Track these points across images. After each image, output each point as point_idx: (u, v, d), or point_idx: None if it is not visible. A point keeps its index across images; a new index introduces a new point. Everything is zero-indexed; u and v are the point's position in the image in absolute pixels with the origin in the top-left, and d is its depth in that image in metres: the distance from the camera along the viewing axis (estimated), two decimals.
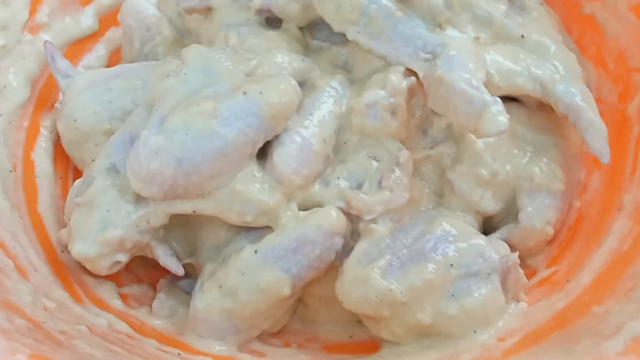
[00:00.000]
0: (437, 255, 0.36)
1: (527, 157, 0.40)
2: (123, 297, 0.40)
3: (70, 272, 0.39)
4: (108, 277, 0.40)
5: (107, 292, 0.39)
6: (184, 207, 0.36)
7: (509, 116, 0.35)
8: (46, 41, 0.45)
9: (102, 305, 0.38)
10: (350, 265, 0.36)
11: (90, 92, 0.42)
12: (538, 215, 0.40)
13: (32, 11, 0.45)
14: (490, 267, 0.36)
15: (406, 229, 0.38)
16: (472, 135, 0.39)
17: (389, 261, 0.36)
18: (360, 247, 0.37)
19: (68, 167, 0.45)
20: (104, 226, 0.36)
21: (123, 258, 0.37)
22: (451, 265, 0.36)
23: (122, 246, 0.37)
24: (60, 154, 0.45)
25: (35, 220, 0.41)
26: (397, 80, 0.38)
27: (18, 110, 0.44)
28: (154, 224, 0.37)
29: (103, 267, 0.37)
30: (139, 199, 0.37)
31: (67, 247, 0.38)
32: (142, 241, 0.37)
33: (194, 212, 0.37)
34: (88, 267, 0.37)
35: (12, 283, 0.34)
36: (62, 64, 0.44)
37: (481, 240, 0.37)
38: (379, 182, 0.37)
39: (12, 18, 0.44)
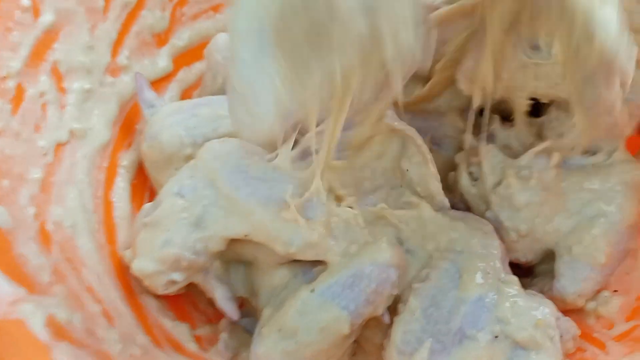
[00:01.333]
0: (478, 331, 0.36)
1: (571, 225, 0.40)
2: (197, 339, 0.42)
3: (149, 314, 0.41)
4: (182, 319, 0.42)
5: (183, 335, 0.41)
6: (238, 229, 0.38)
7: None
8: (137, 72, 0.47)
9: (179, 348, 0.40)
10: (393, 357, 0.37)
11: (177, 116, 0.45)
12: (572, 286, 0.40)
13: (114, 54, 0.47)
14: (543, 334, 0.36)
15: (438, 300, 0.38)
16: (515, 187, 0.40)
17: (431, 349, 0.36)
18: (397, 335, 0.37)
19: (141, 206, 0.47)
20: (163, 244, 0.38)
21: (178, 277, 0.39)
22: (496, 337, 0.36)
23: (178, 264, 0.39)
24: (136, 193, 0.47)
25: (115, 261, 0.43)
26: None
27: (99, 151, 0.45)
28: (210, 248, 0.39)
29: (159, 284, 0.39)
30: (197, 224, 0.39)
31: (146, 289, 0.40)
32: (197, 261, 0.39)
33: (246, 236, 0.38)
34: (146, 283, 0.39)
35: (102, 330, 0.36)
36: (149, 94, 0.47)
37: (520, 300, 0.37)
38: None
39: (96, 62, 0.46)
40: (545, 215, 0.40)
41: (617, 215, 0.40)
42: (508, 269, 0.40)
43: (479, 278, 0.38)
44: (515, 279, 0.39)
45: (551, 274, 0.41)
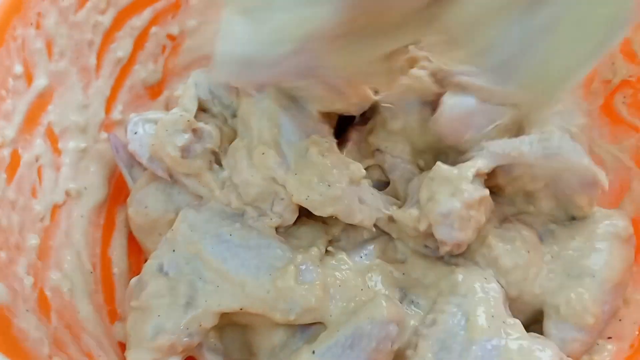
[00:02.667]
0: None
1: (558, 283, 0.40)
2: None
3: None
4: None
5: None
6: (232, 304, 0.38)
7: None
8: (110, 134, 0.47)
9: None
10: None
11: (161, 180, 0.45)
12: (561, 346, 0.39)
13: (108, 110, 0.48)
14: None
15: (448, 343, 0.38)
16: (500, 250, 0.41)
17: None
18: None
19: (141, 261, 0.48)
20: (156, 332, 0.38)
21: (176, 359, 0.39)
22: None
23: (174, 350, 0.39)
24: (133, 248, 0.48)
25: (114, 319, 0.44)
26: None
27: (96, 208, 0.46)
28: (205, 326, 0.39)
29: None
30: (188, 304, 0.39)
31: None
32: (192, 343, 0.39)
33: (241, 309, 0.39)
34: None
35: None
36: (126, 155, 0.47)
37: (525, 342, 0.37)
38: None
39: (91, 120, 0.46)
40: (532, 277, 0.41)
41: (604, 274, 0.40)
42: (509, 312, 0.40)
43: (485, 321, 0.38)
44: (517, 321, 0.39)
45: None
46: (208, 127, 0.43)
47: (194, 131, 0.42)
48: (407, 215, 0.41)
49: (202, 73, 0.46)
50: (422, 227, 0.40)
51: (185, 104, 0.44)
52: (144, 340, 0.38)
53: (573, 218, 0.43)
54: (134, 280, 0.42)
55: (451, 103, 0.42)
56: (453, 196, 0.39)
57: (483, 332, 0.38)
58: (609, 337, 0.42)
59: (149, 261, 0.41)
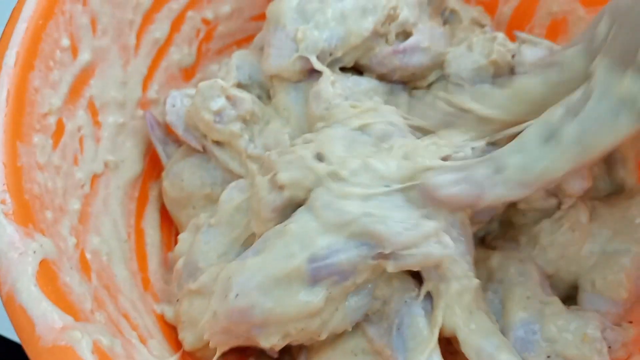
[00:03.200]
0: (531, 355, 0.38)
1: (594, 260, 0.42)
2: None
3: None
4: None
5: None
6: None
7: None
8: (146, 111, 0.49)
9: None
10: None
11: (198, 156, 0.47)
12: None
13: (144, 89, 0.50)
14: (591, 348, 0.38)
15: None
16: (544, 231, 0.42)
17: None
18: None
19: (171, 235, 0.49)
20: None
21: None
22: (548, 357, 0.37)
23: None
24: (165, 222, 0.49)
25: (147, 286, 0.45)
26: None
27: (131, 182, 0.48)
28: None
29: (212, 353, 0.40)
30: None
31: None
32: None
33: None
34: (198, 355, 0.41)
35: (140, 356, 0.37)
36: (160, 132, 0.49)
37: (564, 318, 0.38)
38: None
39: (129, 96, 0.48)
40: (571, 255, 0.42)
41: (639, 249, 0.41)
42: (549, 290, 0.41)
43: (520, 305, 0.39)
44: (556, 299, 0.40)
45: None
46: (242, 95, 0.45)
47: (228, 98, 0.44)
48: None
49: (245, 55, 0.48)
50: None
51: (223, 77, 0.46)
52: (197, 323, 0.40)
53: (615, 191, 0.44)
54: (181, 261, 0.43)
55: (529, 52, 0.45)
56: None
57: (519, 315, 0.39)
58: (630, 322, 0.43)
59: (204, 245, 0.42)
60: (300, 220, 0.37)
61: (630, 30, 0.33)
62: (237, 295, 0.36)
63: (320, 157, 0.38)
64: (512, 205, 0.43)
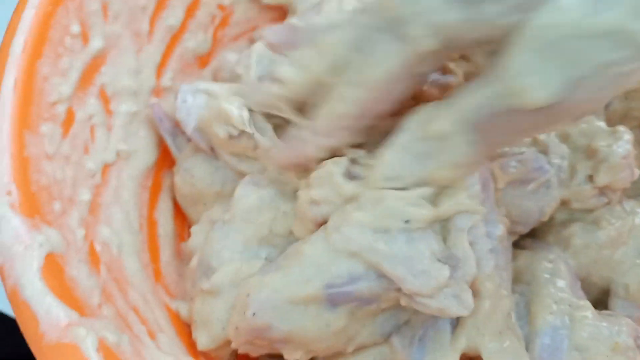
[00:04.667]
0: None
1: (628, 265, 0.40)
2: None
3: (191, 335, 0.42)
4: None
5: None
6: None
7: None
8: (153, 103, 0.47)
9: None
10: None
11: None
12: None
13: (158, 76, 0.48)
14: (623, 357, 0.36)
15: None
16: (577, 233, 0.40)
17: None
18: None
19: (184, 225, 0.48)
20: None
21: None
22: None
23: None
24: (178, 213, 0.48)
25: (159, 278, 0.44)
26: None
27: (144, 171, 0.47)
28: None
29: (226, 353, 0.39)
30: None
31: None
32: None
33: None
34: (212, 355, 0.40)
35: (149, 351, 0.36)
36: (169, 124, 0.47)
37: (595, 324, 0.36)
38: None
39: (142, 84, 0.47)
40: (604, 259, 0.40)
41: None
42: (580, 293, 0.39)
43: (548, 308, 0.37)
44: (587, 303, 0.38)
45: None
46: (258, 136, 0.42)
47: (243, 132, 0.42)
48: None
49: (265, 48, 0.46)
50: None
51: (242, 73, 0.45)
52: (214, 326, 0.39)
53: None
54: (195, 259, 0.42)
55: None
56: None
57: (546, 320, 0.37)
58: None
59: (219, 243, 0.41)
60: (313, 241, 0.35)
61: None
62: (254, 314, 0.35)
63: (354, 175, 0.36)
64: (563, 204, 0.41)
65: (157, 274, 0.45)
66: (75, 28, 0.41)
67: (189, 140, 0.47)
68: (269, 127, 0.42)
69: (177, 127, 0.48)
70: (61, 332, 0.31)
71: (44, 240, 0.34)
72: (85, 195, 0.41)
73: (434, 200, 0.34)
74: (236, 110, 0.42)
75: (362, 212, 0.34)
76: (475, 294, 0.35)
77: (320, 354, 0.37)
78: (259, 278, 0.36)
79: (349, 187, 0.35)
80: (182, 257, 0.47)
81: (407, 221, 0.33)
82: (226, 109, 0.42)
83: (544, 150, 0.41)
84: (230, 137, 0.42)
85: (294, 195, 0.40)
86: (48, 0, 0.40)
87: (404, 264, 0.33)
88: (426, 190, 0.34)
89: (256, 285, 0.36)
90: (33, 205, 0.35)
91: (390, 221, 0.33)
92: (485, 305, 0.35)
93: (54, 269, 0.34)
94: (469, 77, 0.44)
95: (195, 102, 0.45)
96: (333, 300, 0.34)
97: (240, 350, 0.38)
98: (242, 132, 0.42)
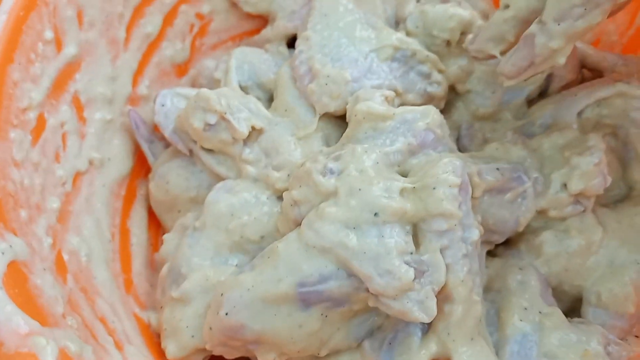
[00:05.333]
0: None
1: (601, 272, 0.40)
2: None
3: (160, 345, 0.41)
4: None
5: None
6: None
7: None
8: (130, 109, 0.47)
9: None
10: None
11: (185, 158, 0.45)
12: None
13: (134, 84, 0.48)
14: None
15: None
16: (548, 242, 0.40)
17: None
18: None
19: (159, 235, 0.48)
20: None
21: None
22: None
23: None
24: (153, 221, 0.48)
25: (129, 288, 0.44)
26: None
27: (119, 180, 0.46)
28: None
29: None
30: None
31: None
32: None
33: None
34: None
35: None
36: (146, 130, 0.47)
37: (564, 332, 0.36)
38: None
39: (118, 92, 0.46)
40: (576, 267, 0.40)
41: None
42: (551, 299, 0.39)
43: (517, 315, 0.37)
44: (557, 310, 0.38)
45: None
46: (237, 124, 0.42)
47: (222, 119, 0.42)
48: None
49: (245, 53, 0.46)
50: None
51: (221, 77, 0.44)
52: (182, 336, 0.38)
53: (624, 196, 0.42)
54: (166, 267, 0.41)
55: None
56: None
57: (516, 327, 0.37)
58: (637, 336, 0.41)
59: (187, 250, 0.41)
60: (288, 240, 0.35)
61: None
62: (227, 313, 0.35)
63: (331, 172, 0.36)
64: (538, 213, 0.41)
65: (129, 284, 0.44)
66: (49, 34, 0.41)
67: (165, 146, 0.47)
68: (261, 108, 0.43)
69: (153, 134, 0.47)
70: (20, 341, 0.30)
71: (7, 248, 0.33)
72: (54, 203, 0.40)
73: (409, 197, 0.35)
74: (214, 95, 0.42)
75: (334, 207, 0.34)
76: (448, 298, 0.35)
77: (293, 356, 0.36)
78: (233, 277, 0.36)
79: (329, 183, 0.36)
80: (155, 267, 0.46)
81: (375, 214, 0.34)
82: (204, 92, 0.42)
83: (521, 164, 0.41)
84: (208, 126, 0.42)
85: (267, 200, 0.40)
86: (20, 5, 0.39)
87: (371, 262, 0.33)
88: (402, 184, 0.35)
89: (230, 285, 0.36)
90: None
91: (360, 214, 0.34)
92: (458, 310, 0.35)
93: (16, 277, 0.33)
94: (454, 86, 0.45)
95: (174, 105, 0.45)
96: (305, 299, 0.34)
97: (215, 352, 0.37)
98: (220, 120, 0.41)
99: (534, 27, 0.35)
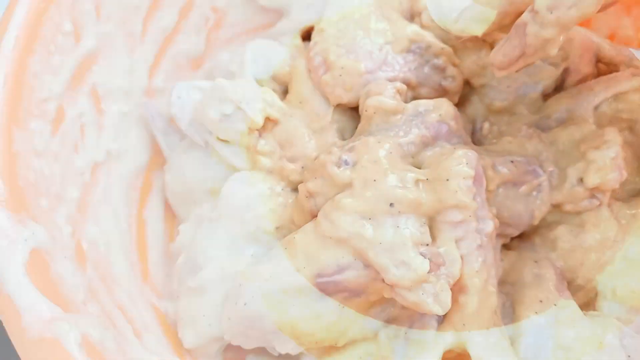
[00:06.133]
0: None
1: (616, 267, 0.39)
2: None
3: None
4: None
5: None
6: None
7: None
8: (145, 101, 0.48)
9: None
10: None
11: (201, 150, 0.45)
12: None
13: (150, 77, 0.48)
14: (609, 358, 0.36)
15: None
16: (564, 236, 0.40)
17: None
18: None
19: (175, 226, 0.48)
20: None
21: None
22: None
23: None
24: (168, 213, 0.48)
25: (146, 278, 0.44)
26: None
27: (135, 171, 0.46)
28: None
29: (212, 351, 0.39)
30: None
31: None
32: None
33: None
34: (199, 353, 0.40)
35: (133, 350, 0.36)
36: (161, 122, 0.47)
37: (580, 324, 0.36)
38: None
39: (134, 85, 0.47)
40: (590, 262, 0.40)
41: None
42: (566, 293, 0.39)
43: (533, 308, 0.37)
44: (572, 302, 0.38)
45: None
46: (253, 113, 0.42)
47: (239, 109, 0.42)
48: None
49: (260, 46, 0.47)
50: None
51: (236, 71, 0.45)
52: (199, 326, 0.39)
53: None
54: (182, 257, 0.42)
55: None
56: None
57: (530, 320, 0.37)
58: None
59: (204, 240, 0.41)
60: (305, 231, 0.36)
61: None
62: (245, 303, 0.36)
63: (345, 164, 0.37)
64: (554, 206, 0.41)
65: (145, 274, 0.44)
66: (68, 26, 0.41)
67: (180, 139, 0.48)
68: (276, 100, 0.43)
69: (169, 126, 0.48)
70: (44, 327, 0.31)
71: (30, 236, 0.34)
72: (73, 193, 0.41)
73: (424, 188, 0.35)
74: (230, 85, 0.42)
75: (350, 199, 0.35)
76: (463, 289, 0.35)
77: (312, 347, 0.37)
78: (251, 268, 0.36)
79: (344, 175, 0.36)
80: (171, 258, 0.47)
81: (391, 204, 0.34)
82: (220, 82, 0.42)
83: (536, 157, 0.41)
84: (224, 117, 0.42)
85: (282, 191, 0.40)
86: None
87: (387, 253, 0.33)
88: (416, 176, 0.35)
89: (249, 275, 0.36)
90: (20, 200, 0.35)
91: (376, 204, 0.34)
92: (473, 301, 0.35)
93: (38, 265, 0.34)
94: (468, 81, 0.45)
95: (190, 97, 0.46)
96: (323, 289, 0.35)
97: (233, 342, 0.38)
98: (236, 111, 0.42)
99: (525, 16, 0.35)
